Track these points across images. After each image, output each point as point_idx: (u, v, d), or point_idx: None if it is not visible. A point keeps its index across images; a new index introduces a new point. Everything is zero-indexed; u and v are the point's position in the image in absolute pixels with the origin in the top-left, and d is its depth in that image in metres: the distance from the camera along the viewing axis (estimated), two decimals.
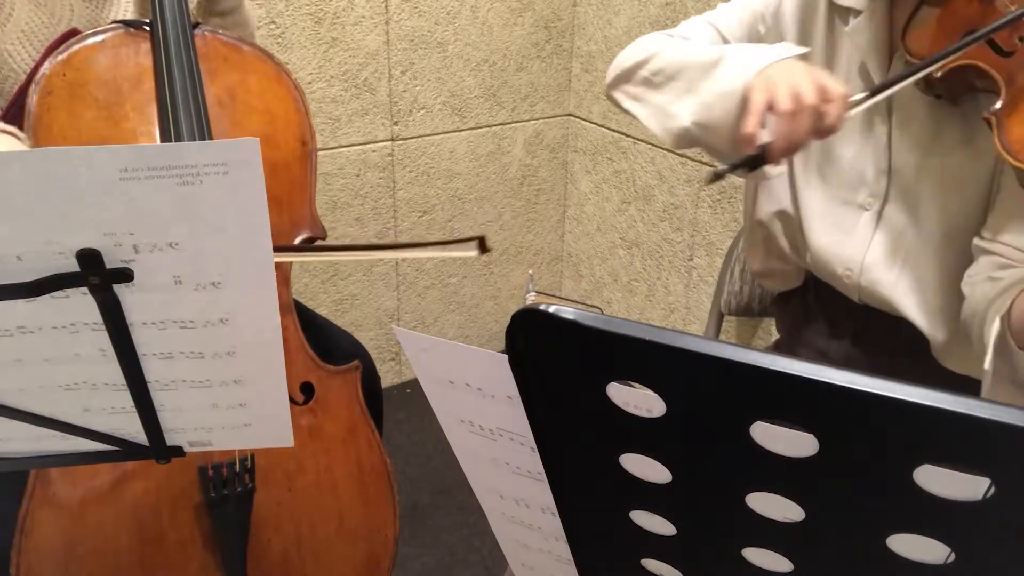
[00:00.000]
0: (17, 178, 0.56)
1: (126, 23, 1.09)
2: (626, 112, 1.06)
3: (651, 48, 1.01)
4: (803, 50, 0.93)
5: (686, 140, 0.98)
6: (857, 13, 0.96)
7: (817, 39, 1.01)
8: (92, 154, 0.56)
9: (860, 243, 1.00)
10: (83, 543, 1.04)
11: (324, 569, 1.19)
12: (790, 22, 1.04)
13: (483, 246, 0.95)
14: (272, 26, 1.87)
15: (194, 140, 1.04)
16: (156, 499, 1.06)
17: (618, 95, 1.06)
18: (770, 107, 0.84)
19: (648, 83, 1.01)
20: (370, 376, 1.29)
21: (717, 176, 0.87)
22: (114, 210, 0.58)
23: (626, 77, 1.04)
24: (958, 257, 0.93)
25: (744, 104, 0.87)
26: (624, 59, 1.04)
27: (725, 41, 1.07)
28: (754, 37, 1.08)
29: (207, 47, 1.13)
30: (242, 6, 1.27)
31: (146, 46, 1.09)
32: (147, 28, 1.09)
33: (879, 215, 0.98)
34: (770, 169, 0.87)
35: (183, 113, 1.05)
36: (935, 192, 0.94)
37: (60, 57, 1.04)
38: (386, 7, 1.99)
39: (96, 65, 1.07)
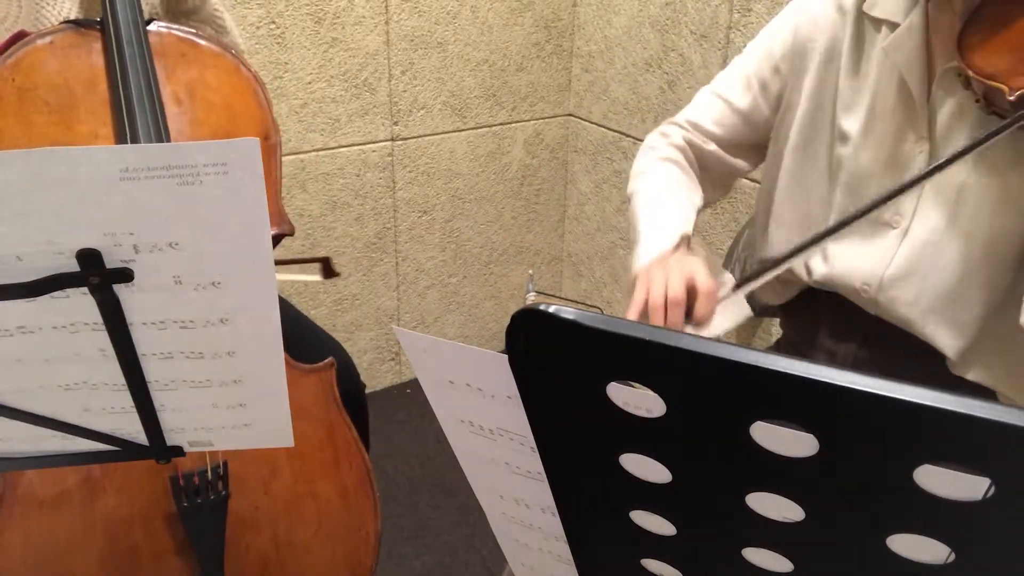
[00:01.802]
0: (17, 178, 0.56)
1: (76, 23, 1.05)
2: None
3: (632, 184, 1.13)
4: (682, 233, 1.00)
5: None
6: (894, 26, 0.93)
7: (845, 57, 0.98)
8: (92, 154, 0.57)
9: (882, 259, 0.98)
10: (53, 561, 1.02)
11: (306, 571, 1.17)
12: (810, 51, 1.01)
13: (328, 269, 0.93)
14: (272, 26, 1.87)
15: (151, 141, 1.01)
16: (128, 512, 1.04)
17: None
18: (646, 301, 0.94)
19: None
20: (347, 372, 1.26)
21: None
22: (114, 210, 0.58)
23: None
24: (994, 275, 0.91)
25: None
26: (629, 182, 1.15)
27: (735, 109, 1.09)
28: (767, 95, 1.07)
29: (162, 43, 1.08)
30: (206, 4, 1.24)
31: (98, 46, 1.05)
32: (99, 27, 1.05)
33: (906, 232, 0.96)
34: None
35: (139, 113, 1.02)
36: (978, 210, 0.91)
37: (8, 61, 1.00)
38: (386, 7, 1.99)
39: (46, 68, 1.02)
